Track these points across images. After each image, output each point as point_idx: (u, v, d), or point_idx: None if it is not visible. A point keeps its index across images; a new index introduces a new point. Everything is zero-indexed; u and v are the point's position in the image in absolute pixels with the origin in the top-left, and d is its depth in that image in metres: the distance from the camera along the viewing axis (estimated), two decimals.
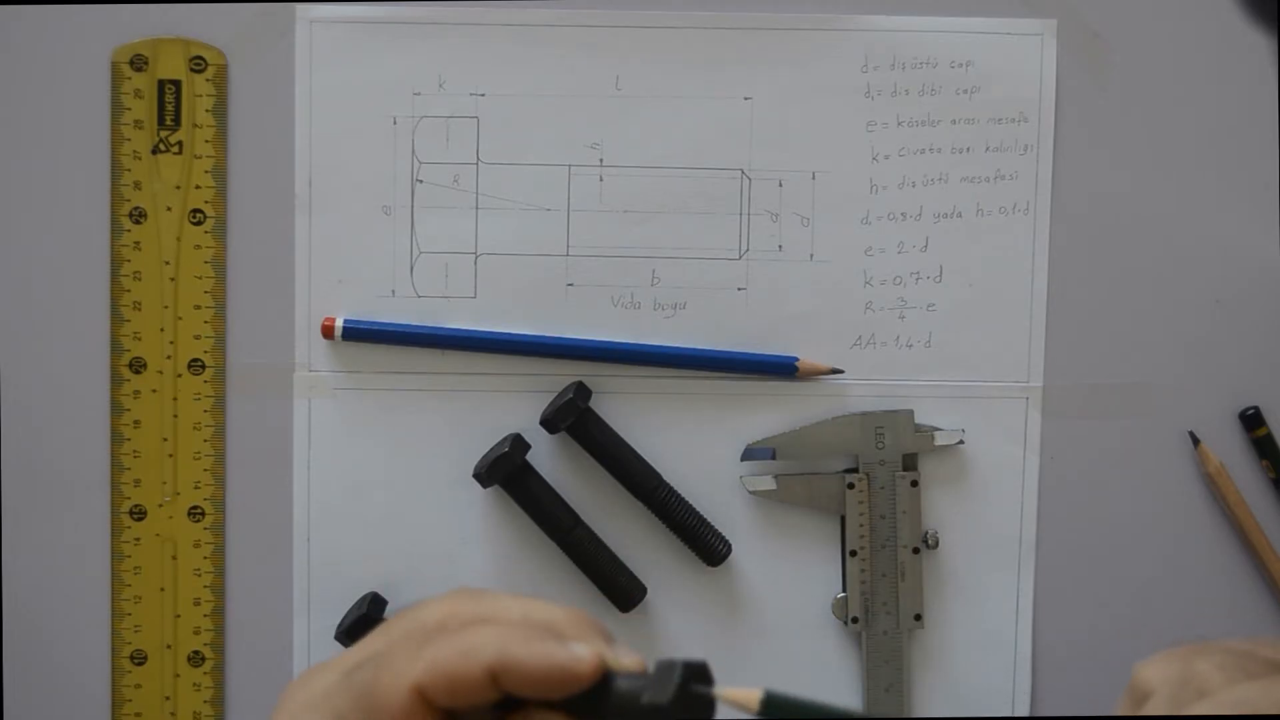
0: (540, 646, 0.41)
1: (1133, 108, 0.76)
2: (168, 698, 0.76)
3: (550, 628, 0.42)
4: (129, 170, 0.74)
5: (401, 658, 0.41)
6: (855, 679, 0.77)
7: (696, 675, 0.42)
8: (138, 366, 0.75)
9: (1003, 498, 0.77)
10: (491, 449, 0.74)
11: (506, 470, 0.74)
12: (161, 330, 0.75)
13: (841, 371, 0.76)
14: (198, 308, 0.75)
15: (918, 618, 0.76)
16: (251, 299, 0.75)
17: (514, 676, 0.40)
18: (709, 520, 0.76)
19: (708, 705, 0.42)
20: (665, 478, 0.75)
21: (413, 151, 0.75)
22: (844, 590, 0.76)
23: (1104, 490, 0.77)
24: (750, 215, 0.75)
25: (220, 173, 0.74)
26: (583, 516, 0.75)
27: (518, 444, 0.74)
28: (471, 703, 0.41)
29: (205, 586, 0.76)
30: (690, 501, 0.75)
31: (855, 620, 0.76)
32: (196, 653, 0.76)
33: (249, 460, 0.76)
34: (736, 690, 0.43)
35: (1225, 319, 0.77)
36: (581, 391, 0.74)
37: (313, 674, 0.43)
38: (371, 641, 0.43)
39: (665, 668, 0.42)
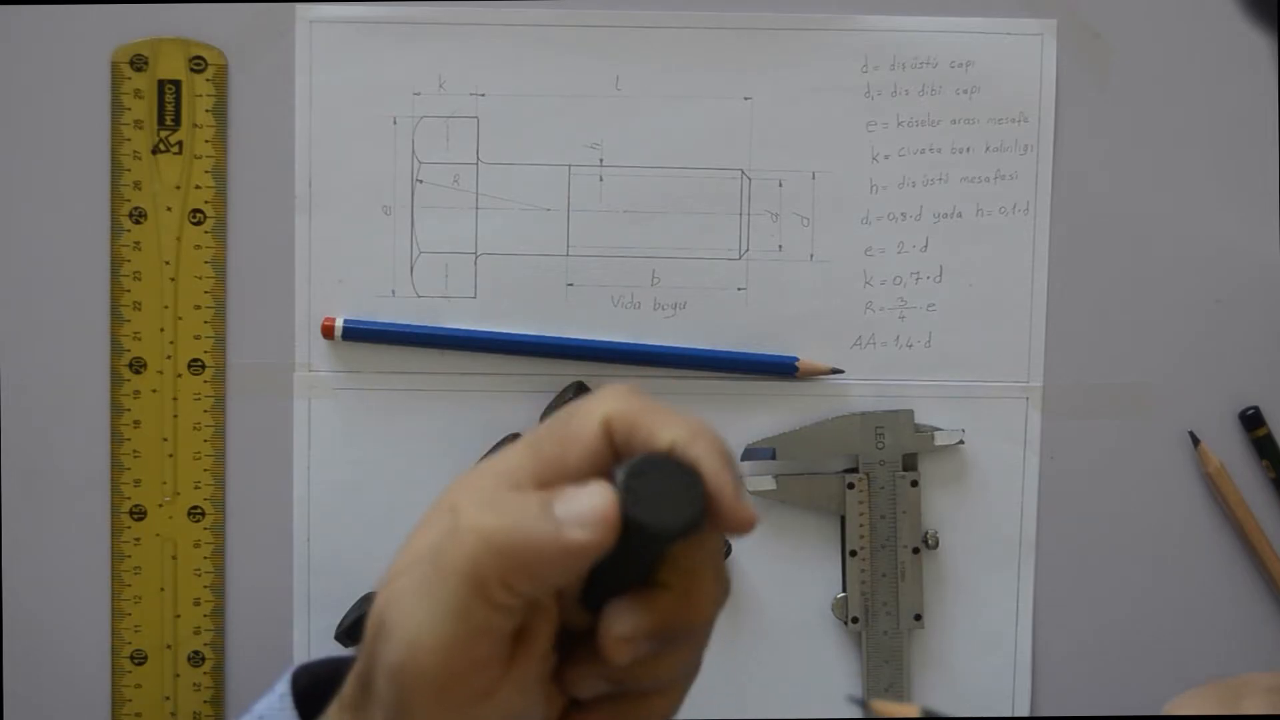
0: (724, 464, 0.43)
1: (1133, 108, 0.76)
2: (168, 698, 0.76)
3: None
4: (129, 170, 0.74)
5: (608, 395, 0.44)
6: (855, 679, 0.77)
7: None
8: (138, 366, 0.75)
9: (1003, 498, 0.77)
10: (491, 449, 0.74)
11: None
12: (161, 330, 0.75)
13: (841, 371, 0.76)
14: (198, 308, 0.75)
15: (918, 618, 0.76)
16: (251, 299, 0.75)
17: (690, 453, 0.42)
18: None
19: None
20: None
21: (413, 151, 0.75)
22: (844, 590, 0.76)
23: (1104, 490, 0.77)
24: (750, 215, 0.75)
25: (220, 173, 0.74)
26: None
27: None
28: (638, 452, 0.43)
29: (205, 586, 0.76)
30: None
31: (855, 620, 0.76)
32: (196, 653, 0.76)
33: (249, 460, 0.76)
34: (892, 704, 0.47)
35: (1225, 319, 0.77)
36: (581, 391, 0.74)
37: (491, 461, 0.45)
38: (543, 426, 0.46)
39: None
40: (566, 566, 0.42)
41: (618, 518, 0.42)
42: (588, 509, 0.42)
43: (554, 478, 0.44)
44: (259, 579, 0.76)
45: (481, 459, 0.45)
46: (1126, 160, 0.76)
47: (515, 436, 0.74)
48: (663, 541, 0.43)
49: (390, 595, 0.43)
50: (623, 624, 0.43)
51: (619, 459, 0.44)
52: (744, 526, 0.42)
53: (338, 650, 0.75)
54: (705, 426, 0.44)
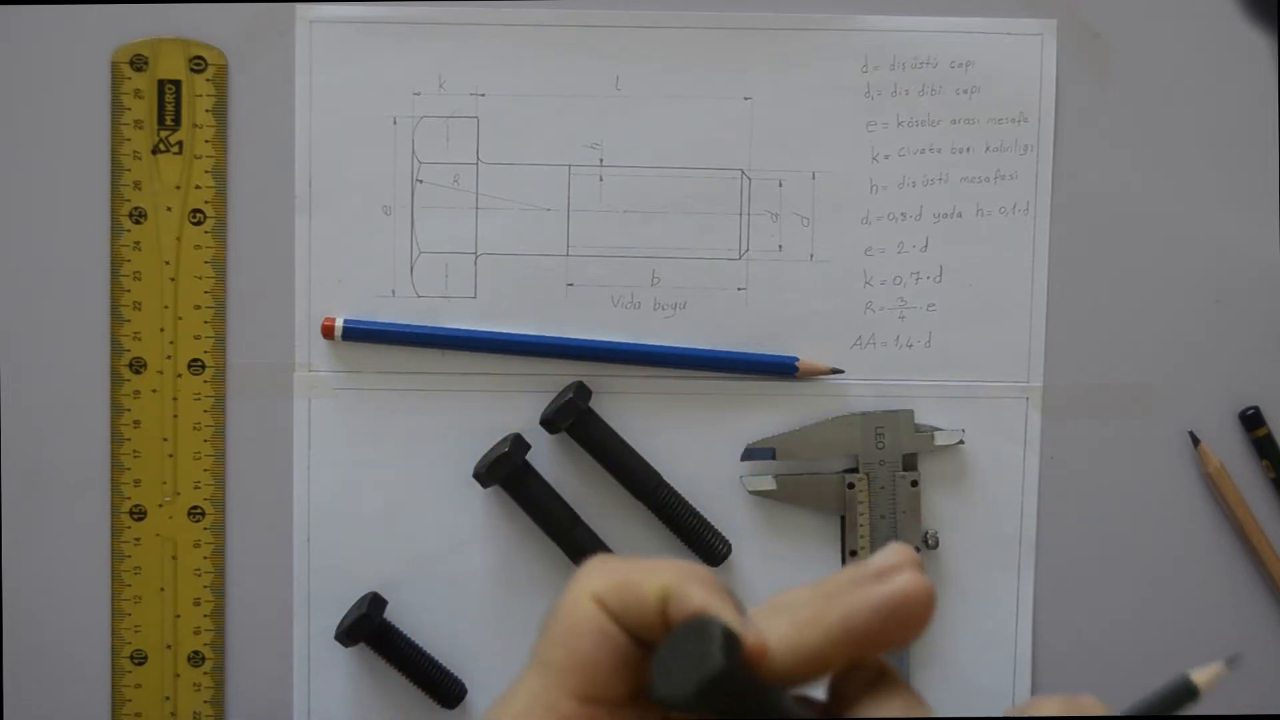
0: (719, 596, 0.42)
1: (1133, 108, 0.76)
2: (168, 698, 0.76)
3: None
4: (129, 170, 0.74)
5: (586, 574, 0.44)
6: None
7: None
8: (138, 366, 0.75)
9: (1003, 498, 0.77)
10: (491, 449, 0.74)
11: (506, 470, 0.74)
12: (161, 330, 0.75)
13: (841, 371, 0.76)
14: (198, 308, 0.75)
15: None
16: (251, 299, 0.75)
17: (680, 609, 0.42)
18: (709, 520, 0.76)
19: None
20: (665, 478, 0.75)
21: (413, 151, 0.75)
22: None
23: (1104, 490, 0.77)
24: (750, 215, 0.75)
25: (220, 173, 0.74)
26: (583, 516, 0.75)
27: (518, 444, 0.74)
28: (640, 622, 0.42)
29: (205, 586, 0.76)
30: (690, 501, 0.75)
31: None
32: (196, 653, 0.76)
33: (249, 460, 0.76)
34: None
35: (1225, 319, 0.77)
36: (581, 391, 0.74)
37: (519, 705, 0.44)
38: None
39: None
40: None
41: None
42: None
43: (580, 683, 0.42)
44: (259, 579, 0.76)
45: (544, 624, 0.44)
46: (1126, 160, 0.76)
47: (516, 436, 0.74)
48: (705, 697, 0.40)
49: None
50: None
51: (623, 628, 0.43)
52: (761, 652, 0.41)
53: (338, 650, 0.76)
54: (690, 565, 0.43)
